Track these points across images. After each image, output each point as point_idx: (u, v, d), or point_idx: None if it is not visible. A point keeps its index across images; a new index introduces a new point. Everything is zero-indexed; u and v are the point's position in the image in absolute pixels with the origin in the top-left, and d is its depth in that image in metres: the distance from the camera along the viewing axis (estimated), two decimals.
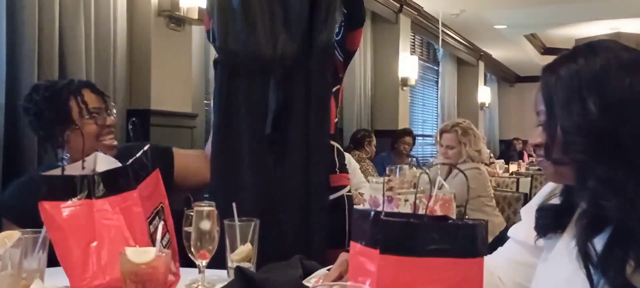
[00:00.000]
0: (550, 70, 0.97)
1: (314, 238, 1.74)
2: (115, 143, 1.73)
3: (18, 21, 2.31)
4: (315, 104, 1.78)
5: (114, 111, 1.78)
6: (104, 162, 1.42)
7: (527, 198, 3.34)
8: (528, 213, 1.09)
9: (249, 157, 1.74)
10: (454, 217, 2.08)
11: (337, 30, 1.94)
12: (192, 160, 1.94)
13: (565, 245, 0.95)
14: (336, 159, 2.00)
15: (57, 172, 1.29)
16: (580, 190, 0.93)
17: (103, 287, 1.18)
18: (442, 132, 3.12)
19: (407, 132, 5.61)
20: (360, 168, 4.12)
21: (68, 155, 1.62)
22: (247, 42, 1.70)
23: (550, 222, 1.00)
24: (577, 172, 0.92)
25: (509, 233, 1.17)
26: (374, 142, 5.02)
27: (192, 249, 1.30)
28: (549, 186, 1.09)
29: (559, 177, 0.99)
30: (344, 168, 2.04)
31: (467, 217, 1.07)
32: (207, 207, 1.32)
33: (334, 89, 1.99)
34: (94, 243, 1.24)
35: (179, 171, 1.85)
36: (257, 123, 1.72)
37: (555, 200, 1.03)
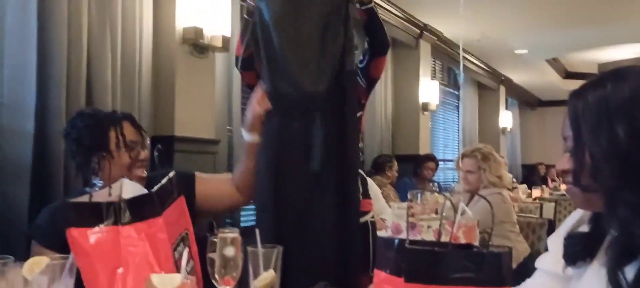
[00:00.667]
0: (577, 96, 0.97)
1: (347, 266, 1.76)
2: (145, 174, 1.77)
3: (48, 51, 2.38)
4: (350, 129, 1.81)
5: (148, 143, 1.82)
6: (130, 189, 1.44)
7: (551, 224, 3.29)
8: (555, 242, 1.08)
9: (294, 191, 1.76)
10: (478, 243, 2.06)
11: (361, 57, 1.97)
12: (216, 185, 1.95)
13: (595, 273, 0.94)
14: (360, 185, 2.01)
15: (84, 198, 1.32)
16: (609, 217, 0.91)
17: None
18: (463, 156, 3.11)
19: (431, 158, 5.58)
20: (382, 193, 4.11)
21: (101, 182, 1.65)
22: (295, 82, 1.73)
23: (579, 250, 0.99)
24: (606, 199, 0.91)
25: (537, 263, 1.15)
26: (396, 167, 5.01)
27: (216, 276, 1.30)
28: (577, 213, 1.07)
29: (588, 204, 0.97)
30: (367, 194, 2.05)
31: (491, 243, 1.06)
32: (231, 233, 1.33)
33: (358, 115, 2.01)
34: (120, 270, 1.26)
35: (201, 197, 1.87)
36: (300, 157, 1.74)
37: (584, 228, 1.02)
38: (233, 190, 1.93)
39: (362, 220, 1.99)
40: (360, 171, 2.04)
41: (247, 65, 1.93)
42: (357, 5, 1.88)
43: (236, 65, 2.00)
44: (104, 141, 1.71)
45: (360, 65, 2.00)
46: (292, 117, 1.77)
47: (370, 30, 1.93)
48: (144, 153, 1.78)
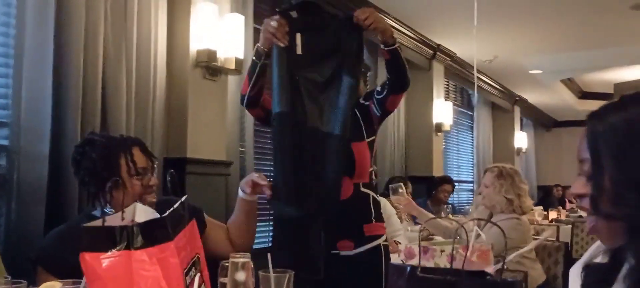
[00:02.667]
0: (597, 118, 0.93)
1: None
2: (155, 199, 1.77)
3: (64, 75, 2.41)
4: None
5: (155, 169, 1.82)
6: (142, 213, 1.44)
7: (568, 247, 3.24)
8: (575, 273, 1.04)
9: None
10: (493, 268, 2.03)
11: (378, 88, 2.02)
12: (216, 229, 1.94)
13: None
14: (372, 208, 2.01)
15: (98, 223, 1.33)
16: (630, 246, 0.89)
17: None
18: (485, 171, 3.10)
19: (447, 180, 5.52)
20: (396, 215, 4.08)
21: (113, 210, 1.65)
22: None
23: (596, 280, 0.96)
24: (628, 227, 0.88)
25: None
26: (410, 189, 4.97)
27: None
28: (598, 243, 1.05)
29: (612, 238, 0.92)
30: (379, 218, 2.04)
31: (506, 269, 1.04)
32: (242, 258, 1.33)
33: (369, 140, 2.03)
34: None
35: (207, 235, 1.86)
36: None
37: (603, 257, 0.99)
38: (227, 238, 1.94)
39: (374, 243, 1.99)
40: (373, 194, 2.04)
41: (253, 103, 2.00)
42: (381, 46, 1.95)
43: (241, 102, 2.07)
44: (116, 169, 1.70)
45: (377, 96, 2.04)
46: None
47: (392, 70, 1.99)
48: (154, 179, 1.78)
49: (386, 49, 1.98)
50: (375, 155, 2.14)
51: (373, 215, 2.01)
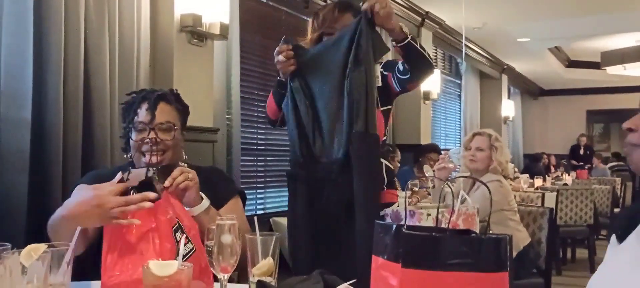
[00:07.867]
0: None
1: None
2: (157, 159, 1.69)
3: (45, 39, 2.36)
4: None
5: (174, 127, 1.79)
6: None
7: (552, 213, 3.27)
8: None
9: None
10: (478, 231, 2.05)
11: (401, 68, 2.00)
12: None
13: (629, 242, 0.93)
14: (385, 176, 2.03)
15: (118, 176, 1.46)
16: None
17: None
18: (475, 135, 3.12)
19: (434, 148, 5.54)
20: None
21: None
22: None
23: (621, 224, 0.99)
24: None
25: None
26: (399, 157, 4.99)
27: (214, 263, 1.30)
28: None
29: None
30: (392, 185, 2.06)
31: (490, 231, 1.05)
32: (228, 220, 1.32)
33: (384, 109, 2.04)
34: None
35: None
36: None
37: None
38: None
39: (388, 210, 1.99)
40: (385, 162, 2.05)
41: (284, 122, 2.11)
42: (393, 44, 1.98)
43: (272, 125, 2.21)
44: (130, 122, 1.76)
45: (399, 75, 2.03)
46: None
47: (410, 63, 1.97)
48: (152, 135, 1.71)
49: (398, 45, 1.95)
50: (389, 125, 2.16)
51: (385, 182, 2.03)
